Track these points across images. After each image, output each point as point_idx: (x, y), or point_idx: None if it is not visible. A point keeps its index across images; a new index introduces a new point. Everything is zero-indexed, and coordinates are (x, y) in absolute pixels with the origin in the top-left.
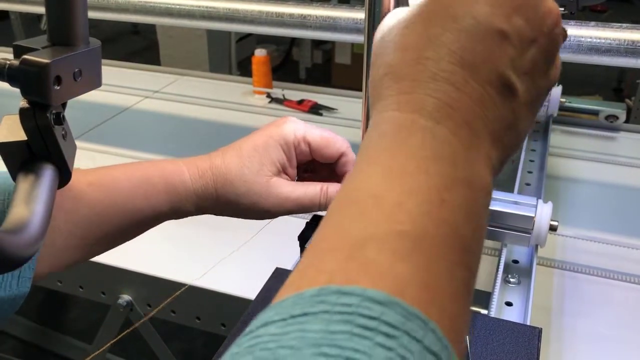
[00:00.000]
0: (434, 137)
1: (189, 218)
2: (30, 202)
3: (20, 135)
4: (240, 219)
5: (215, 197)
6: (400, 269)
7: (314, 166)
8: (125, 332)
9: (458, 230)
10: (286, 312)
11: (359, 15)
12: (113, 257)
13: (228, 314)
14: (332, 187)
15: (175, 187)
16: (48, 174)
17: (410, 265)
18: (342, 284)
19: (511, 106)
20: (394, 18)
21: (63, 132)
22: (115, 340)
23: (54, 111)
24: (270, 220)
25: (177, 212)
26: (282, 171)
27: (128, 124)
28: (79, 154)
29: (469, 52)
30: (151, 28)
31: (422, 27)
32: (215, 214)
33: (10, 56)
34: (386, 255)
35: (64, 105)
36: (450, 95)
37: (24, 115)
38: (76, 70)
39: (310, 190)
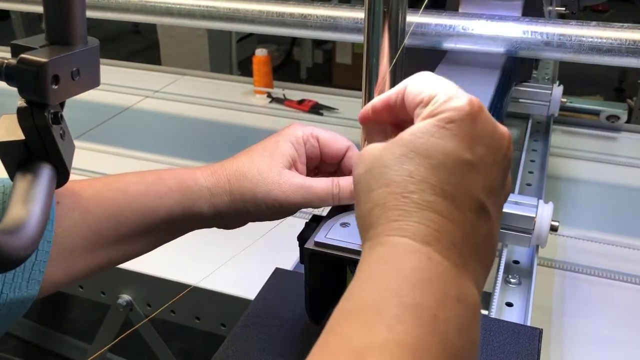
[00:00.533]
0: (427, 258)
1: None
2: (28, 202)
3: (18, 135)
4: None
5: (228, 191)
6: None
7: (321, 167)
8: (127, 332)
9: (450, 341)
10: None
11: (360, 14)
12: None
13: (228, 314)
14: (342, 180)
15: (187, 185)
16: (46, 173)
17: None
18: None
19: (487, 224)
20: (370, 157)
21: (61, 132)
22: (116, 341)
23: (52, 110)
24: (279, 221)
25: (190, 212)
26: (293, 166)
27: (129, 123)
28: (79, 154)
29: (446, 184)
30: (152, 28)
31: (400, 165)
32: (229, 221)
33: (10, 55)
34: None
35: (62, 104)
36: (436, 222)
37: (22, 115)
38: (74, 69)
39: (322, 181)
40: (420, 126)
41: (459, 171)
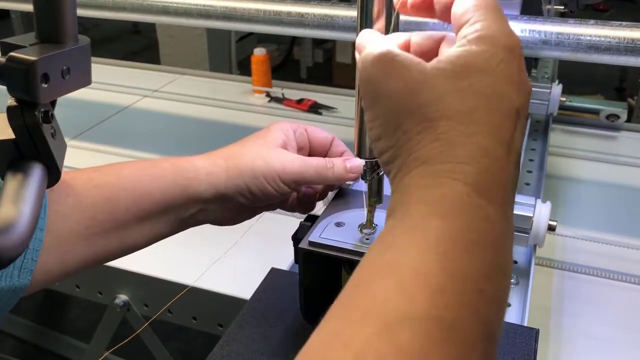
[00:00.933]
0: (486, 219)
1: None
2: (18, 201)
3: (8, 134)
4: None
5: (225, 168)
6: (432, 357)
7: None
8: (129, 338)
9: (488, 321)
10: None
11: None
12: None
13: (224, 314)
14: (335, 159)
15: (182, 165)
16: (37, 173)
17: (442, 354)
18: None
19: (514, 167)
20: (417, 73)
21: (52, 131)
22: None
23: (42, 109)
24: (262, 214)
25: (187, 193)
26: (285, 149)
27: (127, 123)
28: (77, 152)
29: (504, 129)
30: (151, 27)
31: (456, 97)
32: (229, 205)
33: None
34: (420, 341)
35: (53, 103)
36: (495, 172)
37: (12, 114)
38: (64, 67)
39: (316, 158)
40: (480, 61)
41: (512, 119)
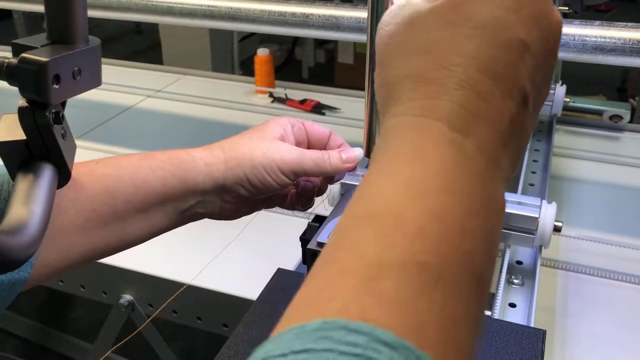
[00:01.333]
0: (461, 152)
1: None
2: (29, 202)
3: (19, 135)
4: (242, 219)
5: (223, 159)
6: (419, 305)
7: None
8: (130, 335)
9: (475, 260)
10: (287, 346)
11: (362, 14)
12: (114, 257)
13: (230, 314)
14: (331, 152)
15: (180, 157)
16: (47, 173)
17: (429, 301)
18: (355, 317)
19: (524, 117)
20: (402, 15)
21: (62, 132)
22: (120, 344)
23: (53, 110)
24: (261, 210)
25: (185, 184)
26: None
27: (130, 123)
28: (81, 153)
29: (495, 62)
30: (154, 27)
31: (444, 31)
32: (228, 196)
33: (11, 55)
34: (405, 289)
35: (63, 104)
36: (476, 106)
37: (23, 115)
38: (75, 68)
39: (314, 150)
40: None
41: (512, 51)
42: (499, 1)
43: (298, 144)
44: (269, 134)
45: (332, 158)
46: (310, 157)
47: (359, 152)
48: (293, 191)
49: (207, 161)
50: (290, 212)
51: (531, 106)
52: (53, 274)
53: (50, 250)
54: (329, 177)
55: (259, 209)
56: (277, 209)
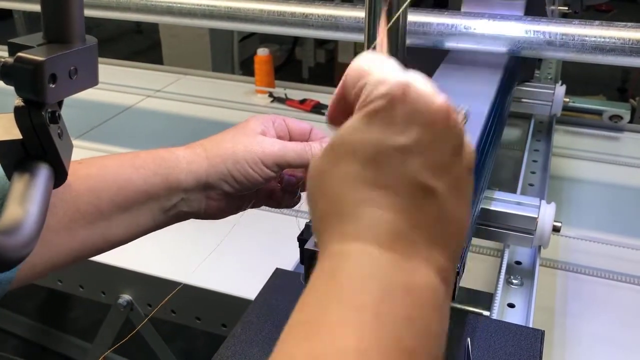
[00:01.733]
0: (367, 256)
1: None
2: (25, 202)
3: (15, 134)
4: (241, 220)
5: (205, 157)
6: None
7: None
8: (129, 336)
9: (400, 334)
10: None
11: (361, 14)
12: (113, 257)
13: (228, 314)
14: (314, 144)
15: (162, 155)
16: (43, 173)
17: None
18: None
19: (436, 203)
20: (311, 169)
21: (59, 131)
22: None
23: (49, 110)
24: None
25: (168, 182)
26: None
27: (130, 123)
28: (80, 153)
29: (380, 175)
30: (154, 27)
31: (333, 167)
32: (212, 193)
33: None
34: None
35: (60, 103)
36: (373, 216)
37: (19, 114)
38: (72, 68)
39: (294, 143)
40: (348, 124)
41: (393, 159)
42: (369, 125)
43: (280, 138)
44: (250, 130)
45: (313, 148)
46: (292, 149)
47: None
48: (278, 187)
49: (189, 159)
50: (288, 211)
51: (442, 189)
52: (39, 274)
53: (36, 251)
54: None
55: (245, 208)
56: (273, 209)
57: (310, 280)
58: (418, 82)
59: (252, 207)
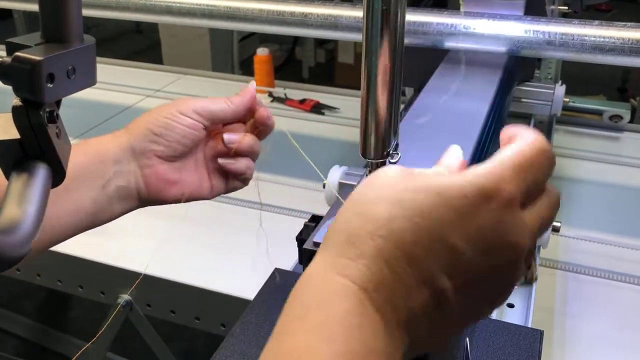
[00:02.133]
0: (361, 305)
1: (190, 217)
2: (22, 202)
3: (13, 134)
4: (240, 220)
5: (126, 128)
6: None
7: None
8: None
9: None
10: None
11: (361, 13)
12: (113, 257)
13: (228, 314)
14: (233, 97)
15: (88, 140)
16: (41, 173)
17: None
18: None
19: (439, 312)
20: (376, 180)
21: (57, 131)
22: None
23: (47, 109)
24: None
25: (98, 155)
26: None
27: (129, 122)
28: None
29: (416, 249)
30: (154, 27)
31: (389, 204)
32: (141, 158)
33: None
34: None
35: (58, 103)
36: (383, 274)
37: (17, 114)
38: (70, 67)
39: (216, 97)
40: (436, 183)
41: (437, 249)
42: (451, 202)
43: (219, 120)
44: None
45: (231, 97)
46: (212, 99)
47: (251, 82)
48: (221, 145)
49: (113, 134)
50: (288, 212)
51: (455, 306)
52: None
53: None
54: (256, 130)
55: (194, 180)
56: (272, 209)
57: (302, 297)
58: None
59: (199, 198)
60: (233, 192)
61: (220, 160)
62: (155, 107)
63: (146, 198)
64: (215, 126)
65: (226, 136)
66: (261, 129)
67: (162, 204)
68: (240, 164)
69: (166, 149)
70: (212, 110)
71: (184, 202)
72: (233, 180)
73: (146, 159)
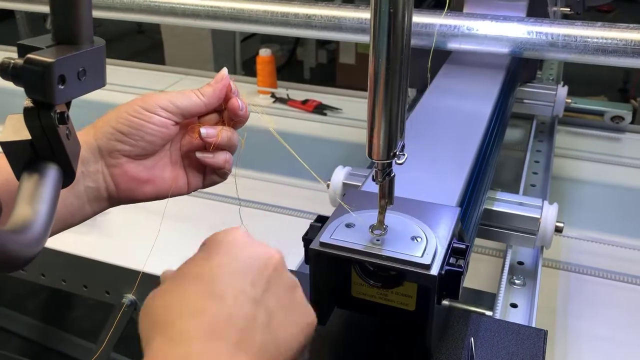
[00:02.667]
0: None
1: (192, 217)
2: (34, 202)
3: (24, 135)
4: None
5: (91, 126)
6: None
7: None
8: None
9: None
10: None
11: (364, 14)
12: (118, 257)
13: None
14: (204, 88)
15: None
16: (52, 173)
17: None
18: None
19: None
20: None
21: (67, 132)
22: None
23: (58, 110)
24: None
25: None
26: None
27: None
28: None
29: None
30: (156, 28)
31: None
32: (106, 157)
33: (16, 55)
34: None
35: (68, 104)
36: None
37: (28, 115)
38: (80, 69)
39: (181, 90)
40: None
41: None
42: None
43: (192, 114)
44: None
45: (202, 89)
46: (178, 92)
47: (223, 69)
48: (196, 139)
49: (79, 133)
50: (293, 213)
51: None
52: None
53: None
54: (233, 121)
55: (166, 179)
56: (278, 209)
57: None
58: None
59: (180, 174)
60: (241, 194)
61: (198, 154)
62: (122, 103)
63: (117, 198)
64: (188, 120)
65: (203, 130)
66: (236, 120)
67: (136, 203)
68: (219, 157)
69: (133, 149)
70: (181, 105)
71: (161, 199)
72: (211, 175)
73: (113, 158)
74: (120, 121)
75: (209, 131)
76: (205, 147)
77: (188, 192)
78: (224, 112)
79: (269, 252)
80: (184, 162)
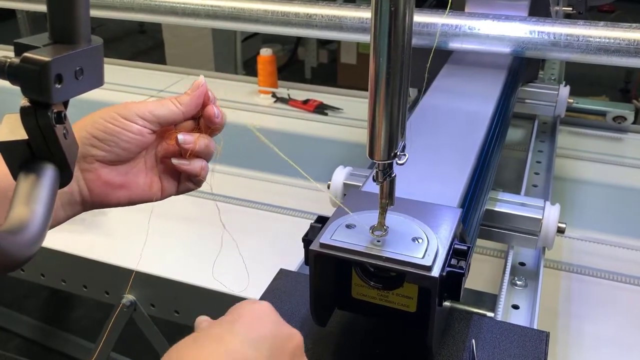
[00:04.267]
0: None
1: (193, 218)
2: (30, 202)
3: (21, 134)
4: (244, 220)
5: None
6: None
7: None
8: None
9: None
10: None
11: (365, 14)
12: (118, 258)
13: None
14: (182, 96)
15: None
16: (49, 173)
17: None
18: None
19: None
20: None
21: (64, 131)
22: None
23: (55, 110)
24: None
25: None
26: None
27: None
28: None
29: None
30: (157, 27)
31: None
32: (81, 162)
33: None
34: None
35: (65, 104)
36: None
37: (25, 114)
38: (77, 68)
39: (158, 100)
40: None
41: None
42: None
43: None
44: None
45: (179, 97)
46: (155, 101)
47: (200, 77)
48: (172, 145)
49: None
50: (293, 213)
51: None
52: None
53: None
54: (210, 129)
55: (140, 185)
56: (278, 209)
57: None
58: None
59: (154, 180)
60: (242, 194)
61: (174, 161)
62: (99, 110)
63: (90, 203)
64: (165, 127)
65: (181, 137)
66: (212, 128)
67: (110, 207)
68: (195, 164)
69: (108, 155)
70: (159, 114)
71: (135, 205)
72: (185, 182)
73: (87, 163)
74: (96, 126)
75: (186, 137)
76: (182, 153)
77: (162, 198)
78: (200, 119)
79: (290, 332)
80: (158, 168)
